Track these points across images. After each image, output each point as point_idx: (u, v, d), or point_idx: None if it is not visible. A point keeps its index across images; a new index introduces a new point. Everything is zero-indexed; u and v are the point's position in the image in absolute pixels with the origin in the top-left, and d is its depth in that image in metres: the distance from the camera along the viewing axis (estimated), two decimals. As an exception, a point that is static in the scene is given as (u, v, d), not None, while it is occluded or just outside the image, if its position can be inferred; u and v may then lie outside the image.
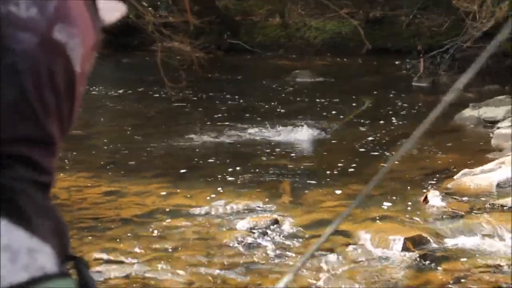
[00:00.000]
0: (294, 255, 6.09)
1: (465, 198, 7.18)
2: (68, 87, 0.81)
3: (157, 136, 10.25)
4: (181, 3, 13.67)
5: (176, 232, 6.61)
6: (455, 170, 8.02)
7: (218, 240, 6.40)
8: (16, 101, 0.76)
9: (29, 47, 0.76)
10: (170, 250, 6.22)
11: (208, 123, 11.14)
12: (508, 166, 7.62)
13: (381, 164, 8.56)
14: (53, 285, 0.73)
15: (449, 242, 6.23)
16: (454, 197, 7.22)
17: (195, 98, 13.22)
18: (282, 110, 11.97)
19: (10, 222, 0.74)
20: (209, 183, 7.94)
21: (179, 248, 6.25)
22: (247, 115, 11.72)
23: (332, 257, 5.93)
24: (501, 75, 13.48)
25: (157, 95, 13.27)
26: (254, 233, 6.52)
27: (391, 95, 13.18)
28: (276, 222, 6.71)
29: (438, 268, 5.79)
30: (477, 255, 5.98)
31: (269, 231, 6.54)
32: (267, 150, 9.46)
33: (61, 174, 7.89)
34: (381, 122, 10.93)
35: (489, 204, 6.92)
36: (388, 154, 9.07)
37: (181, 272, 5.79)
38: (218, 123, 11.07)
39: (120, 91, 14.13)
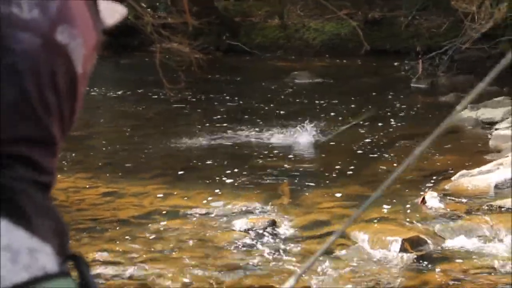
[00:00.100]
0: (291, 256, 6.09)
1: (463, 199, 7.18)
2: (70, 88, 0.81)
3: (155, 137, 10.24)
4: (180, 4, 13.67)
5: (174, 233, 6.61)
6: (453, 171, 8.03)
7: (215, 241, 6.41)
8: (17, 101, 0.76)
9: (29, 48, 0.76)
10: (167, 251, 6.22)
11: (207, 124, 11.13)
12: (506, 168, 7.63)
13: (380, 166, 8.57)
14: (54, 285, 0.73)
15: (447, 243, 6.24)
16: (452, 198, 7.23)
17: (194, 99, 13.22)
18: (280, 112, 11.96)
19: (10, 222, 0.74)
20: (207, 184, 7.94)
21: (177, 249, 6.25)
22: (245, 116, 11.72)
23: (330, 258, 5.93)
24: (499, 77, 13.39)
25: (156, 96, 13.26)
26: (251, 234, 6.52)
27: (390, 96, 13.18)
28: (274, 223, 6.71)
29: (436, 269, 5.80)
30: (475, 256, 5.98)
31: (266, 233, 6.54)
32: (265, 152, 9.46)
33: (59, 175, 7.87)
34: (380, 123, 10.93)
35: (487, 205, 6.92)
36: (386, 156, 9.07)
37: (178, 273, 5.79)
38: (217, 124, 11.07)
39: (119, 92, 14.12)
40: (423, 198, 7.10)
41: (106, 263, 5.95)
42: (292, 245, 6.32)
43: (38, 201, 0.78)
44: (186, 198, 7.50)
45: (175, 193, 7.66)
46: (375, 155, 9.15)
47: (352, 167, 8.55)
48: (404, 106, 12.29)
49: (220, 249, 6.25)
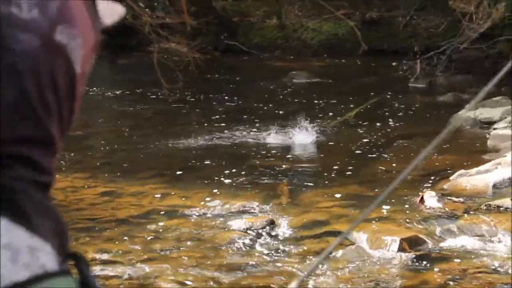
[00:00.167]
0: (289, 255, 6.10)
1: (461, 199, 7.19)
2: (69, 88, 0.81)
3: (153, 137, 10.24)
4: (178, 4, 13.67)
5: (172, 232, 6.61)
6: (451, 171, 8.03)
7: (214, 241, 6.41)
8: (16, 101, 0.77)
9: (29, 48, 0.77)
10: (166, 250, 6.22)
11: (205, 124, 11.14)
12: (504, 167, 7.64)
13: (379, 166, 8.57)
14: (54, 284, 0.73)
15: (445, 243, 6.24)
16: (450, 198, 7.23)
17: (192, 99, 13.22)
18: (279, 111, 11.97)
19: (10, 221, 0.74)
20: (205, 184, 7.94)
21: (175, 249, 6.25)
22: (243, 116, 11.72)
23: (328, 258, 5.93)
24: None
25: (154, 96, 13.26)
26: (250, 233, 6.53)
27: (388, 96, 13.18)
28: (272, 223, 6.71)
29: (435, 268, 5.80)
30: (473, 256, 5.99)
31: (265, 232, 6.55)
32: (264, 151, 9.47)
33: (58, 175, 7.86)
34: (378, 123, 10.94)
35: (485, 205, 6.93)
36: (385, 155, 9.07)
37: (176, 272, 5.79)
38: (215, 124, 11.07)
39: (117, 92, 14.12)
40: (422, 198, 7.11)
41: (104, 262, 5.95)
42: (291, 244, 6.32)
43: (38, 200, 0.79)
44: (184, 197, 7.50)
45: (174, 192, 7.66)
46: (373, 155, 9.15)
47: (350, 167, 8.55)
48: (402, 106, 12.30)
49: (218, 248, 6.25)
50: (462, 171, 7.79)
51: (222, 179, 8.12)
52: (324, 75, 15.46)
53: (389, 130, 10.60)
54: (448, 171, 8.05)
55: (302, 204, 7.30)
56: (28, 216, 0.76)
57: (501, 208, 6.82)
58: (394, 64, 15.86)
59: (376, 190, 7.32)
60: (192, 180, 8.10)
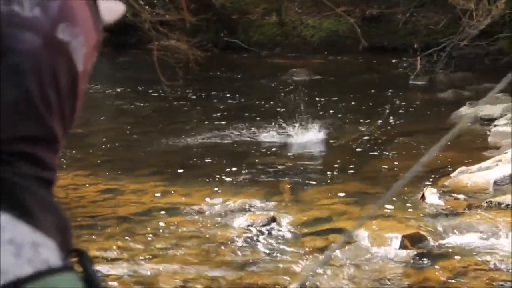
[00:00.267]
0: (291, 253, 6.09)
1: (462, 196, 7.18)
2: (71, 86, 0.82)
3: (154, 134, 10.25)
4: (178, 1, 13.67)
5: (173, 230, 6.61)
6: (452, 168, 8.03)
7: (215, 238, 6.40)
8: (19, 100, 0.77)
9: (32, 47, 0.77)
10: (167, 248, 6.22)
11: (206, 121, 11.14)
12: (505, 164, 7.63)
13: (380, 163, 8.57)
14: (57, 279, 0.73)
15: (447, 240, 6.24)
16: (451, 195, 7.23)
17: (193, 97, 13.23)
18: (278, 109, 11.95)
19: (13, 217, 0.74)
20: (206, 181, 7.94)
21: (176, 246, 6.25)
22: (244, 113, 11.72)
23: (329, 255, 5.93)
24: (498, 73, 13.45)
25: (156, 94, 13.26)
26: (251, 231, 6.52)
27: (388, 94, 13.18)
28: (273, 220, 6.71)
29: (436, 265, 5.80)
30: (474, 253, 5.99)
31: (266, 229, 6.54)
32: (264, 149, 9.47)
33: (59, 173, 7.86)
34: (379, 120, 10.93)
35: (486, 202, 6.92)
36: (386, 152, 9.07)
37: (178, 270, 5.79)
38: (215, 122, 11.07)
39: (118, 90, 14.13)
40: (423, 195, 7.11)
41: (105, 260, 5.95)
42: (292, 242, 6.32)
43: (41, 196, 0.79)
44: (185, 195, 7.50)
45: (175, 190, 7.66)
46: (374, 152, 9.15)
47: (351, 164, 8.55)
48: (403, 103, 12.29)
49: (219, 246, 6.25)
50: (463, 168, 7.79)
51: (223, 176, 8.12)
52: (324, 72, 15.46)
53: (389, 127, 10.60)
54: (449, 168, 8.05)
55: (303, 202, 7.30)
56: (31, 212, 0.76)
57: (502, 205, 6.82)
58: (394, 61, 15.87)
59: (378, 187, 7.32)
60: (193, 178, 8.10)
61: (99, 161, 8.94)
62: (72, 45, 0.80)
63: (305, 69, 15.65)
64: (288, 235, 6.47)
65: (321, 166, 8.63)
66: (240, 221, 6.69)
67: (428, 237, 6.22)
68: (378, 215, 6.65)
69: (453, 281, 5.57)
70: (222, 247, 6.23)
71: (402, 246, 6.05)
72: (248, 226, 6.61)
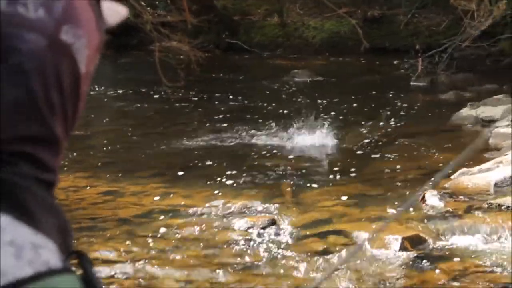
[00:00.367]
0: (292, 255, 6.09)
1: (462, 198, 7.18)
2: (73, 88, 0.82)
3: (155, 136, 10.25)
4: (180, 2, 13.68)
5: (174, 232, 6.61)
6: (452, 169, 8.02)
7: (215, 240, 6.40)
8: (22, 101, 0.77)
9: (36, 48, 0.77)
10: (167, 250, 6.22)
11: (207, 123, 11.14)
12: (505, 166, 7.62)
13: (381, 165, 8.56)
14: (57, 281, 0.74)
15: (447, 242, 6.23)
16: (452, 196, 7.22)
17: (194, 98, 13.22)
18: (280, 110, 11.96)
19: (14, 218, 0.75)
20: (207, 183, 7.94)
21: (176, 248, 6.25)
22: (245, 115, 11.72)
23: (329, 257, 5.93)
24: (499, 74, 13.48)
25: (157, 95, 13.26)
26: (251, 233, 6.52)
27: (390, 95, 13.18)
28: (274, 222, 6.70)
29: (436, 267, 5.80)
30: (474, 255, 5.98)
31: (267, 232, 6.54)
32: (265, 151, 9.46)
33: (59, 174, 7.87)
34: (380, 122, 10.93)
35: (486, 204, 6.92)
36: (387, 154, 9.06)
37: (178, 272, 5.80)
38: (216, 123, 11.07)
39: (119, 91, 14.12)
40: (423, 197, 7.10)
41: (105, 262, 5.95)
42: (293, 244, 6.32)
43: (42, 198, 0.79)
44: (186, 197, 7.50)
45: (175, 192, 7.66)
46: (376, 154, 9.14)
47: (352, 166, 8.55)
48: (404, 105, 12.28)
49: (220, 248, 6.25)
50: (463, 169, 7.78)
51: (223, 178, 8.12)
52: (325, 74, 15.45)
53: (390, 129, 10.59)
54: (449, 170, 8.04)
55: (304, 204, 7.30)
56: (32, 213, 0.76)
57: (502, 207, 6.81)
58: (395, 62, 15.85)
59: (379, 189, 7.32)
60: (194, 180, 8.10)
61: (99, 163, 8.94)
62: (75, 47, 0.80)
63: (307, 70, 15.63)
64: (289, 237, 6.46)
65: (322, 168, 8.63)
66: (240, 223, 6.69)
67: (428, 239, 6.22)
68: (379, 217, 6.65)
69: (453, 283, 5.56)
70: (223, 249, 6.23)
71: (402, 248, 6.05)
72: (249, 228, 6.61)
